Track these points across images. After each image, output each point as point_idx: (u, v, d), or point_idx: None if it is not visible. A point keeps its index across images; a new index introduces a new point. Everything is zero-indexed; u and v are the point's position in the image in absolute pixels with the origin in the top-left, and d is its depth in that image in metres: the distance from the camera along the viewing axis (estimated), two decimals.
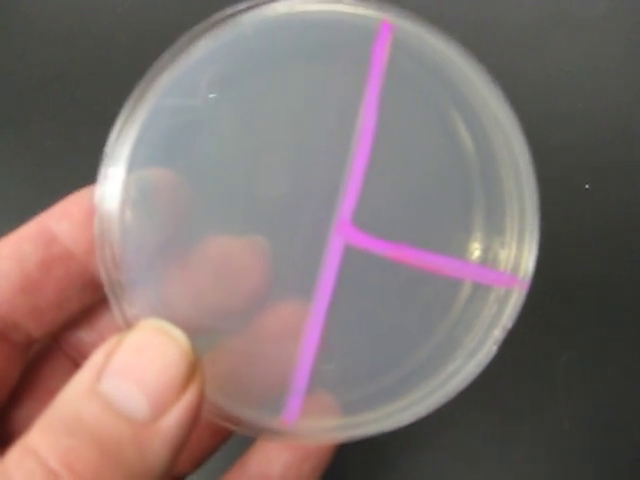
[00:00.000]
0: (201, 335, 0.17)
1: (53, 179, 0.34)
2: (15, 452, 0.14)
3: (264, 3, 0.19)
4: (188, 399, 0.15)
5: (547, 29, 0.38)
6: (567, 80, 0.37)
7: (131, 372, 0.15)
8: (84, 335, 0.21)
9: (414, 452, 0.29)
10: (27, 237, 0.18)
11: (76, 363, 0.21)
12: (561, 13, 0.38)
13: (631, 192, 0.34)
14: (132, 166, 0.18)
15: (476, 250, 0.20)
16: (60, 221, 0.19)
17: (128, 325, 0.17)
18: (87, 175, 0.33)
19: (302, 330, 0.19)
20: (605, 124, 0.35)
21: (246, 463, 0.21)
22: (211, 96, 0.19)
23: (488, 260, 0.20)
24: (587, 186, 0.34)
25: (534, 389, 0.30)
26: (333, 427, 0.19)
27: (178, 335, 0.15)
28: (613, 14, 0.38)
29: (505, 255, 0.20)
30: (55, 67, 0.37)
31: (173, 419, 0.14)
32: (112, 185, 0.18)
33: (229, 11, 0.19)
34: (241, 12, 0.19)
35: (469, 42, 0.37)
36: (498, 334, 0.19)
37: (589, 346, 0.31)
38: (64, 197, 0.33)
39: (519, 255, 0.20)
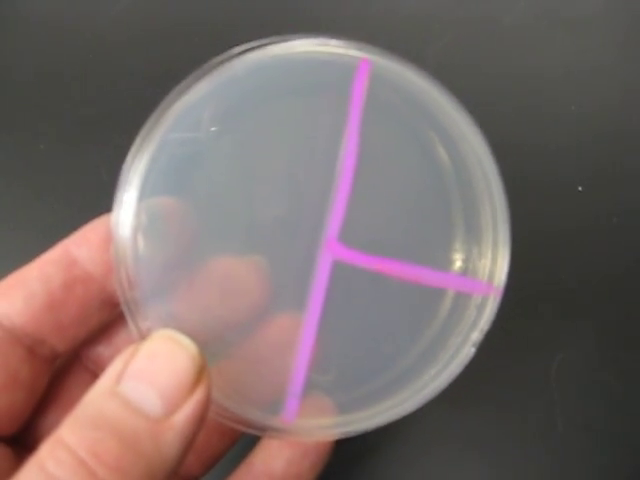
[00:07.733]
0: (207, 345, 0.18)
1: (48, 181, 0.34)
2: (47, 444, 0.15)
3: (258, 47, 0.21)
4: (197, 398, 0.16)
5: (541, 30, 0.38)
6: (560, 81, 0.36)
7: (146, 375, 0.16)
8: (103, 350, 0.22)
9: (413, 453, 0.29)
10: (51, 261, 0.20)
11: (95, 375, 0.22)
12: (555, 14, 0.38)
13: (624, 194, 0.34)
14: (143, 194, 0.19)
15: (457, 261, 0.21)
16: (80, 247, 0.20)
17: (142, 337, 0.19)
18: (81, 178, 0.35)
19: (297, 338, 0.20)
20: (598, 126, 0.35)
21: (251, 462, 0.22)
22: (212, 129, 0.20)
23: (468, 270, 0.21)
24: (580, 188, 0.34)
25: (528, 391, 0.30)
26: (329, 425, 0.20)
27: (186, 342, 0.17)
28: (607, 15, 0.38)
29: (482, 265, 0.21)
30: (50, 68, 0.37)
31: (184, 415, 0.16)
32: (125, 212, 0.19)
33: (226, 55, 0.20)
34: (237, 55, 0.21)
35: (464, 42, 0.38)
36: (476, 337, 0.20)
37: (583, 347, 0.31)
38: (58, 199, 0.34)
39: (494, 265, 0.21)
